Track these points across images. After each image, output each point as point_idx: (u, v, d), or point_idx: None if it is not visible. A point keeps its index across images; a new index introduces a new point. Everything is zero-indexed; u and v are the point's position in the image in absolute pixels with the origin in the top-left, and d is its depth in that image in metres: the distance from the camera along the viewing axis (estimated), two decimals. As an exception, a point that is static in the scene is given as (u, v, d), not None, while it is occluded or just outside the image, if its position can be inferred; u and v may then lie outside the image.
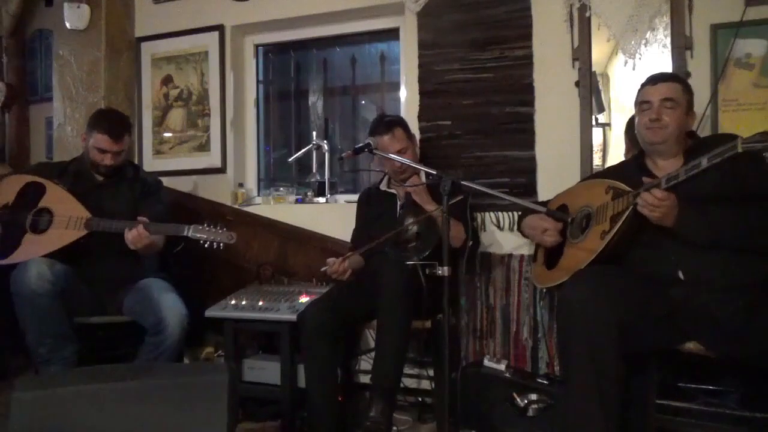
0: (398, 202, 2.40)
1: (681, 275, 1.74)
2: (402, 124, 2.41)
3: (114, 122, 2.44)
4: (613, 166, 2.19)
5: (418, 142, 2.53)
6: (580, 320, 1.66)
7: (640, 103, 1.88)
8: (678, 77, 1.93)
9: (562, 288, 1.82)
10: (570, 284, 1.79)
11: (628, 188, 1.79)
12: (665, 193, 1.64)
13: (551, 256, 2.07)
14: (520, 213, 2.28)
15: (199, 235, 2.16)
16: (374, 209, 2.48)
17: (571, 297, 1.72)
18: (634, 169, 1.93)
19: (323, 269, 2.24)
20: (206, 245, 2.17)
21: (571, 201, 2.08)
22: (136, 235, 2.18)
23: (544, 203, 2.21)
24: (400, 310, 2.02)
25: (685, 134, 1.87)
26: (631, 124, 2.30)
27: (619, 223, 1.77)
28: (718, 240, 1.70)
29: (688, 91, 1.87)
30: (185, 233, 2.19)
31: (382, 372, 2.03)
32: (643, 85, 1.91)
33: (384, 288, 2.03)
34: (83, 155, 2.52)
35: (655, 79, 1.89)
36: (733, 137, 1.77)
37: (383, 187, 2.49)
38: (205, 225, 2.18)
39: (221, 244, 2.17)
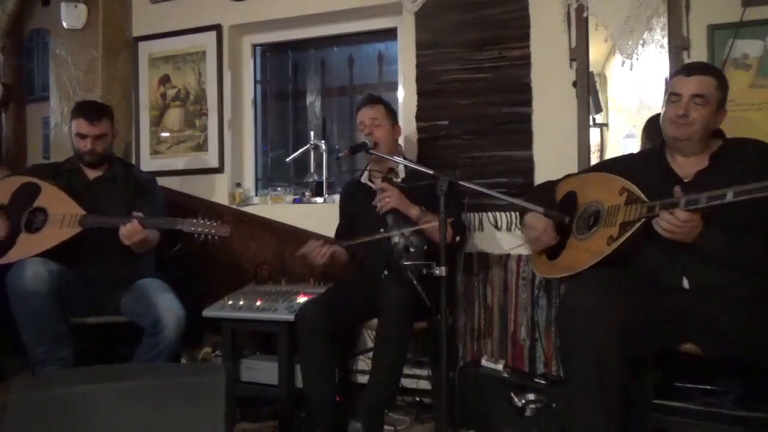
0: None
1: (686, 284, 1.71)
2: (386, 103, 2.42)
3: (90, 106, 2.50)
4: (631, 155, 2.12)
5: (400, 134, 2.49)
6: (583, 324, 1.64)
7: (670, 93, 1.78)
8: (715, 70, 1.81)
9: (565, 291, 1.80)
10: (573, 288, 1.76)
11: (643, 197, 1.72)
12: (688, 214, 1.56)
13: (553, 245, 2.03)
14: (528, 193, 2.21)
15: (194, 229, 2.16)
16: (355, 203, 2.46)
17: (574, 301, 1.70)
18: (653, 163, 1.86)
19: (300, 252, 2.23)
20: (201, 238, 2.16)
21: (581, 190, 2.02)
22: (130, 229, 2.18)
23: (552, 183, 2.16)
24: (399, 333, 2.03)
25: (710, 132, 1.78)
26: (649, 124, 2.29)
27: (629, 233, 1.72)
28: (735, 261, 1.66)
29: (723, 86, 1.76)
30: (180, 227, 2.18)
31: (377, 392, 2.06)
32: (676, 73, 1.82)
33: (383, 310, 2.04)
34: (75, 155, 2.53)
35: (689, 70, 1.78)
36: (762, 144, 1.74)
37: (364, 179, 2.47)
38: (200, 218, 2.18)
39: (216, 237, 2.17)
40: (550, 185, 2.16)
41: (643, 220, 1.69)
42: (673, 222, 1.58)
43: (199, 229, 2.16)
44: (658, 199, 1.68)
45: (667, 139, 1.83)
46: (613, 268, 1.79)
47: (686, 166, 1.79)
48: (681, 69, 1.83)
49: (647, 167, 1.86)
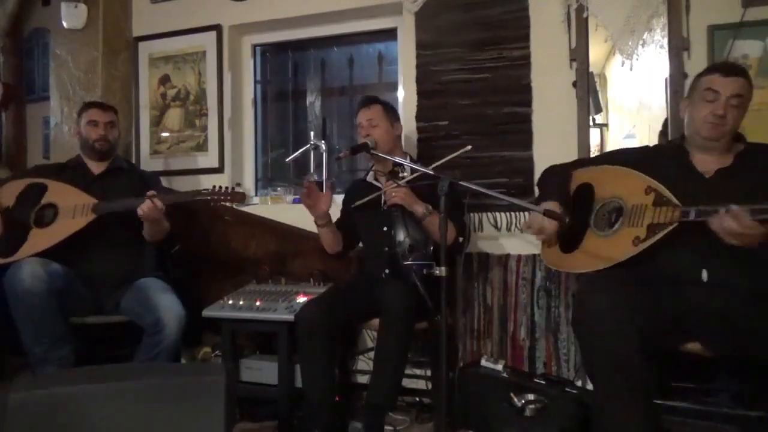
0: (382, 197, 2.33)
1: (705, 276, 1.69)
2: (383, 103, 2.42)
3: (98, 101, 2.68)
4: (647, 148, 2.08)
5: (401, 131, 2.48)
6: (600, 328, 1.62)
7: (706, 89, 1.75)
8: (746, 72, 1.78)
9: (577, 296, 1.78)
10: (585, 292, 1.74)
11: (675, 200, 1.69)
12: (755, 223, 1.49)
13: (567, 236, 1.98)
14: (541, 176, 2.15)
15: (209, 198, 2.27)
16: (360, 200, 2.45)
17: (588, 305, 1.68)
18: (675, 160, 1.83)
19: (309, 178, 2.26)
20: (214, 204, 2.29)
21: (599, 182, 1.96)
22: (150, 205, 2.22)
23: (565, 168, 2.09)
24: (401, 333, 2.03)
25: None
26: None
27: (658, 236, 1.68)
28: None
29: (752, 88, 1.77)
30: (197, 198, 2.29)
31: (379, 392, 2.06)
32: (710, 71, 1.79)
33: (385, 311, 2.04)
34: (79, 155, 2.57)
35: (727, 71, 1.75)
36: None
37: (369, 179, 2.47)
38: (215, 186, 2.29)
39: (233, 203, 2.31)
40: (564, 173, 2.08)
41: (675, 224, 1.66)
42: (735, 228, 1.52)
43: (215, 197, 2.26)
44: (682, 196, 1.67)
45: (698, 138, 1.80)
46: (627, 267, 1.76)
47: (707, 163, 1.78)
48: (716, 68, 1.80)
49: (666, 161, 1.85)
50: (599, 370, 1.66)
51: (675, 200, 1.70)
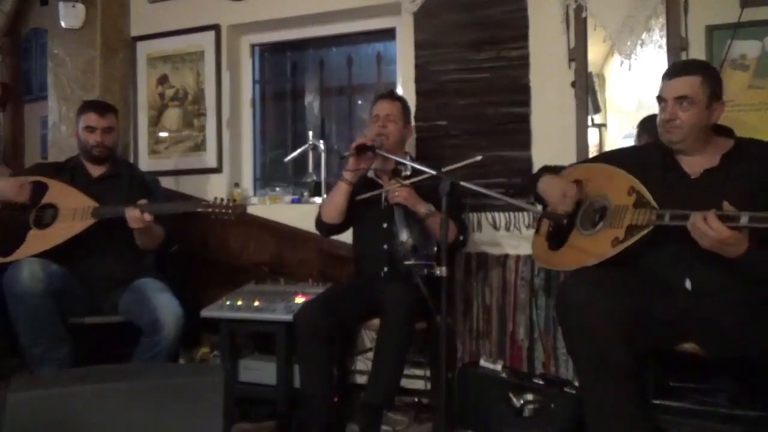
0: (384, 195, 2.31)
1: (688, 285, 1.69)
2: (404, 102, 2.42)
3: (97, 101, 2.61)
4: (636, 147, 2.10)
5: (413, 132, 2.50)
6: (580, 318, 1.64)
7: (657, 98, 1.79)
8: (697, 68, 1.76)
9: (561, 287, 1.80)
10: (568, 284, 1.76)
11: (653, 201, 1.69)
12: (724, 227, 1.47)
13: (556, 233, 2.00)
14: (535, 173, 2.14)
15: (210, 210, 2.23)
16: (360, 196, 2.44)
17: (569, 297, 1.70)
18: (660, 162, 1.83)
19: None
20: (214, 217, 2.24)
21: (588, 179, 1.96)
22: (134, 215, 2.20)
23: (557, 168, 2.10)
24: (402, 334, 2.03)
25: (709, 128, 1.76)
26: (648, 120, 2.28)
27: (635, 238, 1.69)
28: (758, 274, 1.60)
29: (709, 82, 1.71)
30: (197, 209, 2.25)
31: (377, 392, 2.05)
32: (662, 77, 1.80)
33: (386, 311, 2.04)
34: (78, 154, 2.55)
35: (670, 73, 1.77)
36: None
37: (370, 174, 2.44)
38: (215, 199, 2.25)
39: (232, 216, 2.24)
40: (558, 169, 2.10)
41: (651, 227, 1.67)
42: (706, 232, 1.50)
43: (216, 209, 2.22)
44: (668, 197, 1.68)
45: (666, 143, 1.81)
46: (613, 267, 1.76)
47: (694, 164, 1.77)
48: (665, 72, 1.81)
49: (654, 162, 1.85)
50: (581, 361, 1.69)
51: (653, 202, 1.69)
